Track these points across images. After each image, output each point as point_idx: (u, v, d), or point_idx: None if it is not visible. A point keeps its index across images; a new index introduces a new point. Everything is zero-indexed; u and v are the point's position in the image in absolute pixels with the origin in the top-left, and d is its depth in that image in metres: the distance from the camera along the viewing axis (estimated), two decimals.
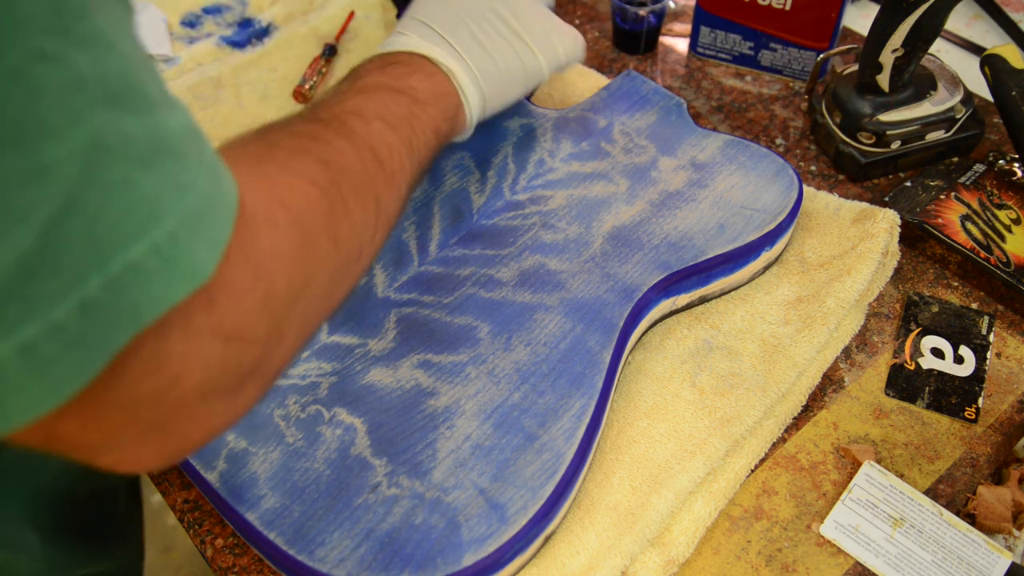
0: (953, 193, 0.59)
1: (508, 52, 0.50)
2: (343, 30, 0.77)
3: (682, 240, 0.53)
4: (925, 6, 0.56)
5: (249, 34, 0.77)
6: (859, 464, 0.48)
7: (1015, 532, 0.48)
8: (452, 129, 0.48)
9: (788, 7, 0.68)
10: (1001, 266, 0.55)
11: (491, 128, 0.61)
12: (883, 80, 0.61)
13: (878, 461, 0.49)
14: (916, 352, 0.54)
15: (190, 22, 0.79)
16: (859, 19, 0.80)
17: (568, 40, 0.53)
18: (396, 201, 0.39)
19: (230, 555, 0.46)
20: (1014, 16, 0.78)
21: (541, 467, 0.43)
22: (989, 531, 0.48)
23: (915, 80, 0.62)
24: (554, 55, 0.52)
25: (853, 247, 0.55)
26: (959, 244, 0.56)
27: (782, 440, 0.50)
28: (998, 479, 0.51)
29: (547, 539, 0.44)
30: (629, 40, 0.76)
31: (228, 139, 0.34)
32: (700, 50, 0.75)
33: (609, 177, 0.57)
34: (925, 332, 0.54)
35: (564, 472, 0.43)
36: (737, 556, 0.46)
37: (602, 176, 0.57)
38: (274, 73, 0.74)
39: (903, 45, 0.58)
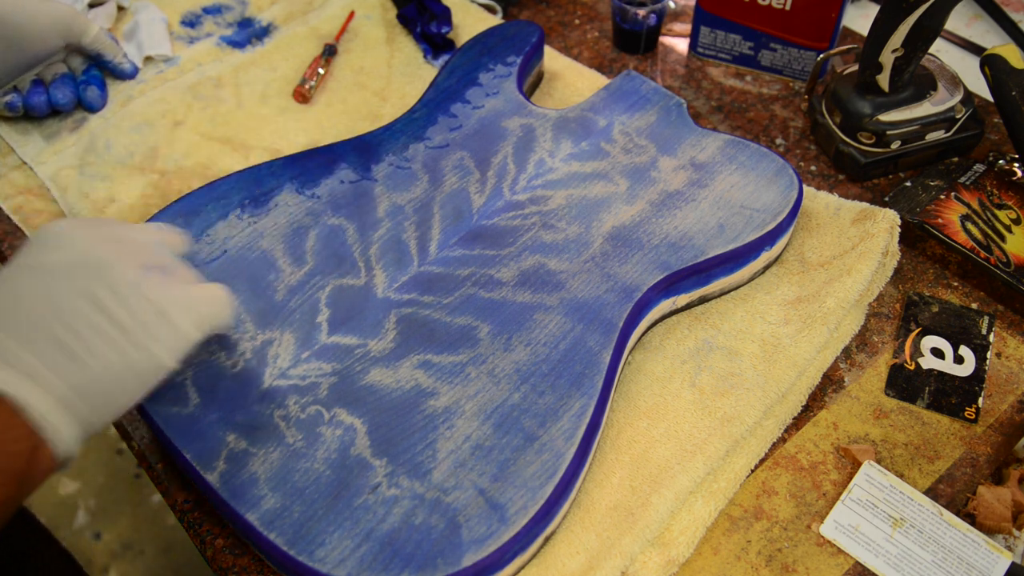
0: (953, 193, 0.59)
1: (110, 352, 0.38)
2: (343, 30, 0.77)
3: (682, 240, 0.53)
4: (925, 6, 0.56)
5: (249, 34, 0.77)
6: (859, 464, 0.48)
7: (1015, 532, 0.48)
8: (31, 480, 0.35)
9: (788, 7, 0.68)
10: (1001, 266, 0.55)
11: (491, 128, 0.61)
12: (883, 80, 0.61)
13: (878, 461, 0.49)
14: (916, 352, 0.54)
15: (190, 22, 0.79)
16: (859, 19, 0.80)
17: (196, 314, 0.42)
18: None
19: (230, 555, 0.46)
20: (1014, 16, 0.78)
21: (541, 467, 0.43)
22: (989, 531, 0.48)
23: (915, 80, 0.62)
24: (176, 339, 0.40)
25: (853, 247, 0.55)
26: (959, 244, 0.56)
27: (782, 440, 0.50)
28: (998, 479, 0.51)
29: (547, 539, 0.44)
30: (629, 40, 0.76)
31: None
32: (700, 50, 0.75)
33: (609, 177, 0.57)
34: (925, 332, 0.54)
35: (564, 472, 0.43)
36: (737, 556, 0.46)
37: (602, 176, 0.57)
38: (274, 73, 0.74)
39: (903, 45, 0.58)
